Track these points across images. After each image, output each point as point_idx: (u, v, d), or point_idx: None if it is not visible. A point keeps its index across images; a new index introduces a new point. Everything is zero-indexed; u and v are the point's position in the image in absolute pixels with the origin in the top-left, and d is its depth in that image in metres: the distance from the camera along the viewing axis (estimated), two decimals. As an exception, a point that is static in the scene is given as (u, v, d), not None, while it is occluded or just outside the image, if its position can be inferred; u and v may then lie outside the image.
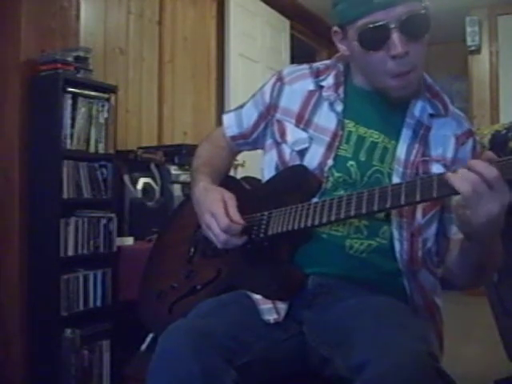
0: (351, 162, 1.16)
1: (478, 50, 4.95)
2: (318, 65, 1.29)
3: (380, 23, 1.04)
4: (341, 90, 1.21)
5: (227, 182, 1.30)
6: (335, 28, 1.17)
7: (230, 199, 1.17)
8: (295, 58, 4.65)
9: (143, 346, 1.36)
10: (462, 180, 0.89)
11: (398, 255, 1.12)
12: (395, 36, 1.05)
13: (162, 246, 1.43)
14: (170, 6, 3.47)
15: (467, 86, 5.15)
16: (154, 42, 3.34)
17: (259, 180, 1.36)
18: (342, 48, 1.18)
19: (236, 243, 1.15)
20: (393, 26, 1.04)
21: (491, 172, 0.88)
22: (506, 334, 2.38)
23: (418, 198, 0.95)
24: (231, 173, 1.48)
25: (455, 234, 1.14)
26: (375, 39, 1.07)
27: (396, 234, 1.12)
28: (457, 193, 0.92)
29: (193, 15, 3.69)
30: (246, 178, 1.42)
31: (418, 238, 1.13)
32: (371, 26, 1.05)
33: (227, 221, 1.13)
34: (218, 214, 1.14)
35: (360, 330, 0.97)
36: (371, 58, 1.09)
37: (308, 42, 5.37)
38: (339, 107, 1.19)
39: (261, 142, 1.34)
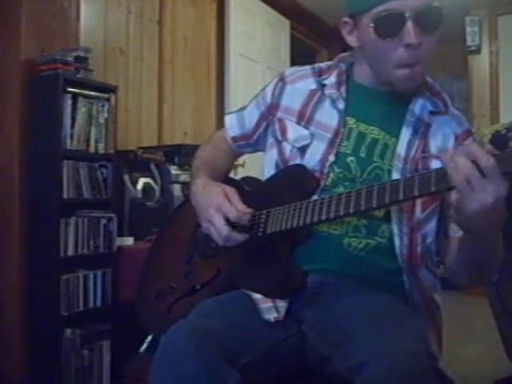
0: (351, 158, 1.16)
1: (477, 50, 4.95)
2: (320, 65, 1.31)
3: (396, 11, 1.06)
4: (343, 89, 1.22)
5: (226, 183, 1.31)
6: (345, 19, 1.18)
7: (232, 192, 1.19)
8: (295, 58, 4.64)
9: (142, 348, 1.36)
10: (455, 167, 0.88)
11: (397, 251, 1.13)
12: (410, 25, 1.06)
13: (160, 246, 1.43)
14: (170, 6, 3.47)
15: (467, 85, 5.15)
16: (154, 42, 3.34)
17: (258, 180, 1.36)
18: (351, 40, 1.19)
19: (237, 239, 1.16)
20: (408, 15, 1.06)
21: (487, 160, 0.86)
22: (506, 333, 2.38)
23: (416, 192, 0.95)
24: (231, 174, 1.49)
25: (455, 232, 1.14)
26: (390, 27, 1.08)
27: (395, 229, 1.13)
28: (455, 187, 0.92)
29: (193, 15, 3.69)
30: (245, 178, 1.42)
31: (418, 233, 1.13)
32: (387, 13, 1.06)
33: (235, 211, 1.14)
34: (223, 206, 1.15)
35: (359, 330, 0.98)
36: (383, 45, 1.10)
37: (308, 42, 5.37)
38: (341, 105, 1.20)
39: (262, 142, 1.35)
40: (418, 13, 1.06)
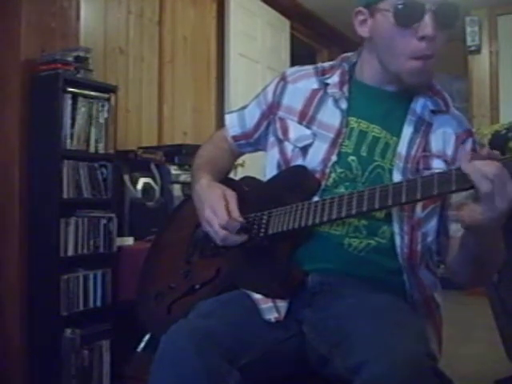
0: (352, 157, 1.16)
1: (477, 50, 4.95)
2: (323, 65, 1.31)
3: (417, 1, 1.07)
4: (345, 88, 1.22)
5: (226, 184, 1.30)
6: (359, 8, 1.18)
7: (231, 196, 1.19)
8: (295, 58, 4.64)
9: (140, 347, 1.36)
10: (482, 177, 0.89)
11: (398, 249, 1.13)
12: (428, 17, 1.07)
13: (159, 246, 1.43)
14: (170, 6, 3.47)
15: (467, 86, 5.15)
16: (154, 42, 3.35)
17: (258, 180, 1.36)
18: (362, 30, 1.19)
19: (235, 240, 1.16)
20: (429, 7, 1.07)
21: (500, 168, 0.88)
22: (506, 334, 2.38)
23: (418, 196, 0.95)
24: (231, 173, 1.48)
25: (455, 232, 1.14)
26: (409, 15, 1.09)
27: (396, 227, 1.13)
28: (457, 191, 0.92)
29: (193, 15, 3.70)
30: (245, 178, 1.42)
31: (418, 232, 1.14)
32: (408, 1, 1.07)
33: (226, 217, 1.15)
34: (218, 209, 1.16)
35: (359, 330, 0.97)
36: (399, 34, 1.10)
37: (308, 42, 5.37)
38: (344, 105, 1.20)
39: (263, 142, 1.35)
40: (439, 7, 1.07)
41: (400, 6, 1.08)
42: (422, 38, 1.08)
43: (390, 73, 1.17)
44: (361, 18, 1.18)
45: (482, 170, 0.88)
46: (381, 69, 1.18)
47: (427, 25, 1.07)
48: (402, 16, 1.09)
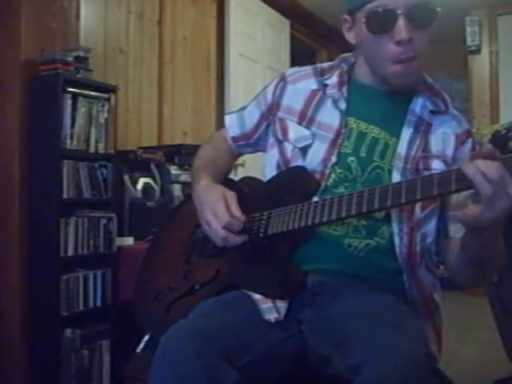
0: (351, 158, 1.17)
1: (477, 50, 4.96)
2: (322, 65, 1.31)
3: (388, 7, 1.07)
4: (344, 89, 1.22)
5: (226, 184, 1.30)
6: (345, 16, 1.20)
7: (231, 197, 1.19)
8: (295, 58, 4.65)
9: (139, 348, 1.36)
10: (483, 179, 0.89)
11: (397, 250, 1.13)
12: (401, 21, 1.07)
13: (159, 246, 1.43)
14: (170, 6, 3.47)
15: (467, 86, 5.15)
16: (154, 42, 3.35)
17: (259, 180, 1.36)
18: (349, 36, 1.21)
19: (235, 241, 1.16)
20: (400, 11, 1.07)
21: (501, 168, 0.88)
22: (506, 333, 2.38)
23: (418, 196, 0.96)
24: (231, 174, 1.48)
25: (455, 233, 1.14)
26: (382, 23, 1.10)
27: (396, 228, 1.13)
28: (457, 191, 0.92)
29: (193, 15, 3.70)
30: (245, 179, 1.42)
31: (417, 233, 1.14)
32: (379, 9, 1.08)
33: (228, 217, 1.15)
34: (218, 210, 1.16)
35: (358, 331, 0.98)
36: (376, 41, 1.12)
37: (308, 42, 5.38)
38: (343, 105, 1.21)
39: (262, 142, 1.35)
40: (411, 9, 1.07)
41: (372, 16, 1.10)
42: (399, 43, 1.09)
43: (378, 75, 1.18)
44: (347, 25, 1.20)
45: (483, 172, 0.88)
46: (372, 71, 1.19)
47: (401, 29, 1.07)
48: (375, 25, 1.10)
